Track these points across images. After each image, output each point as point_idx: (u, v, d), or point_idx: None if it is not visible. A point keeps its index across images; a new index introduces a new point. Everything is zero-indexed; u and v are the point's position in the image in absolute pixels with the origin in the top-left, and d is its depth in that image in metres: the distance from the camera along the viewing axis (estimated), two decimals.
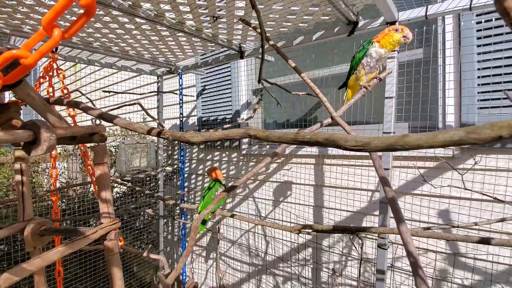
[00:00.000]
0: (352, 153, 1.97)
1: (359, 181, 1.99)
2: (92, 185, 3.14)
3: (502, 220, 1.02)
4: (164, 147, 2.92)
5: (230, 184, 2.92)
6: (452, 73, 1.52)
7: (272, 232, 2.55)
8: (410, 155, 1.68)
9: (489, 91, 1.46)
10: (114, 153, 3.09)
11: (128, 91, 2.69)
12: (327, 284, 2.21)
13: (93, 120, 1.09)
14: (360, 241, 1.47)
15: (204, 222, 1.72)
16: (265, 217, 2.65)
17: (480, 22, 1.48)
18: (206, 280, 3.21)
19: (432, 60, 1.60)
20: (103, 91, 2.29)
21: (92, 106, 1.36)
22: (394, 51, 1.25)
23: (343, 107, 1.08)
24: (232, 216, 1.52)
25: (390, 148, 0.43)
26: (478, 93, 1.48)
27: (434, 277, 1.68)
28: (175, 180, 3.48)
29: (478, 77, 1.48)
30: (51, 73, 1.78)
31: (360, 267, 1.53)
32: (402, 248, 1.78)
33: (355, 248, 1.95)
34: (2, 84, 0.44)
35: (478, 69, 1.48)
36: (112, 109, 1.93)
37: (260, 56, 1.95)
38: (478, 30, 1.45)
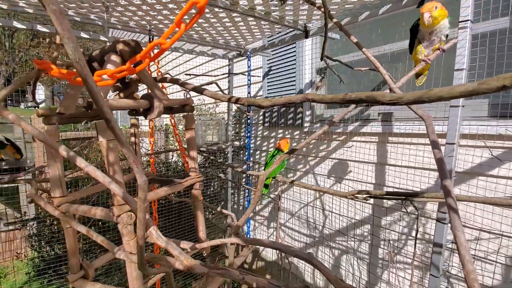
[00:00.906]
0: (419, 131, 1.92)
1: (426, 157, 1.93)
2: (174, 153, 3.71)
3: None
4: (233, 124, 3.25)
5: (291, 163, 3.11)
6: None
7: (330, 206, 2.67)
8: (479, 133, 1.57)
9: None
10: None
11: (205, 74, 3.08)
12: (384, 260, 2.25)
13: (185, 94, 1.39)
14: (416, 211, 1.49)
15: (266, 186, 1.96)
16: (323, 192, 2.77)
17: None
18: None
19: None
20: (185, 74, 2.68)
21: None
22: (465, 21, 1.20)
23: (402, 79, 1.13)
24: (291, 182, 1.71)
25: (419, 100, 0.54)
26: None
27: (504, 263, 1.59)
28: (241, 156, 3.85)
29: None
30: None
31: (416, 240, 1.56)
32: (471, 231, 1.71)
33: (406, 211, 1.93)
34: (150, 62, 0.69)
35: None
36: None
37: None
38: None
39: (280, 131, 3.31)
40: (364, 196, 1.28)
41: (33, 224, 3.37)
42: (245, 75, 2.78)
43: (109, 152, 1.02)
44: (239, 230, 1.36)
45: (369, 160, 2.32)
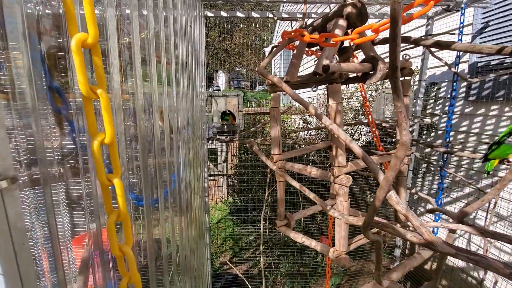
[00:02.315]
0: None
1: None
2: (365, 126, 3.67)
3: None
4: (421, 96, 2.75)
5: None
6: None
7: None
8: None
9: None
10: (373, 102, 3.37)
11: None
12: None
13: (404, 56, 1.25)
14: None
15: (487, 173, 1.53)
16: None
17: None
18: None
19: None
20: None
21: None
22: None
23: None
24: None
25: None
26: None
27: None
28: (423, 136, 3.25)
29: None
30: None
31: None
32: None
33: None
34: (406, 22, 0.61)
35: None
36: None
37: None
38: None
39: (495, 107, 2.51)
40: None
41: (231, 177, 4.36)
42: (453, 34, 2.23)
43: (337, 114, 1.06)
44: (466, 216, 1.14)
45: None
